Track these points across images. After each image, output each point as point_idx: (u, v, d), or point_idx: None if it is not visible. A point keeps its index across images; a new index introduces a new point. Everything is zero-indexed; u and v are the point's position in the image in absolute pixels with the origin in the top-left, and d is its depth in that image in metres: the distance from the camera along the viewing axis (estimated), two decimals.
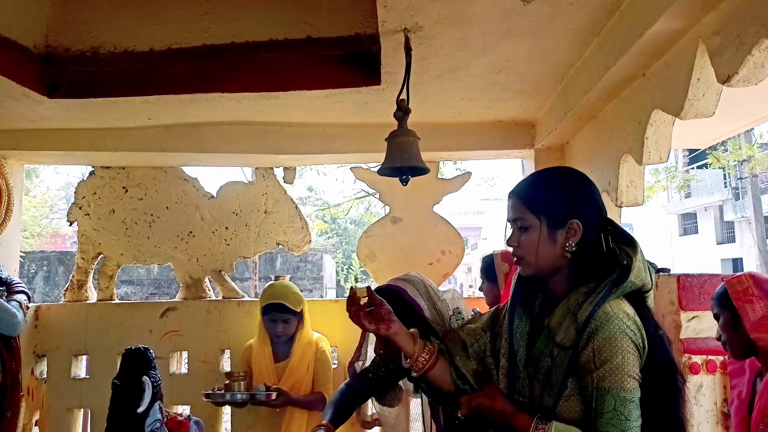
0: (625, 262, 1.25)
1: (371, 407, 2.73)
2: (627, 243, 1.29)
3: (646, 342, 1.19)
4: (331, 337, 3.09)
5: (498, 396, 1.31)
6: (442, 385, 1.44)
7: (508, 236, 1.35)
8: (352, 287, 1.43)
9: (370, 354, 2.02)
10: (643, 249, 1.30)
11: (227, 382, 2.56)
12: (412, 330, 1.44)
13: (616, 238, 1.30)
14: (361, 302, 1.42)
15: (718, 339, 1.76)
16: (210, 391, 2.59)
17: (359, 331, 3.16)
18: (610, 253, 1.28)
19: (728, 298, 1.68)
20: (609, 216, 1.37)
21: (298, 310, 2.74)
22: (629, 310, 1.21)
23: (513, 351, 1.32)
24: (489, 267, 2.72)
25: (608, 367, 1.13)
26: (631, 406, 1.12)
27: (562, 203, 1.30)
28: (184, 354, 3.37)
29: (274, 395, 2.49)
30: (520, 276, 1.39)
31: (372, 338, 2.31)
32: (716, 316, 1.76)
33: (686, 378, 1.27)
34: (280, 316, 2.68)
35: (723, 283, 1.78)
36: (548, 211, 1.30)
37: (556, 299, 1.31)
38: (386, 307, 1.41)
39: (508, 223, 1.36)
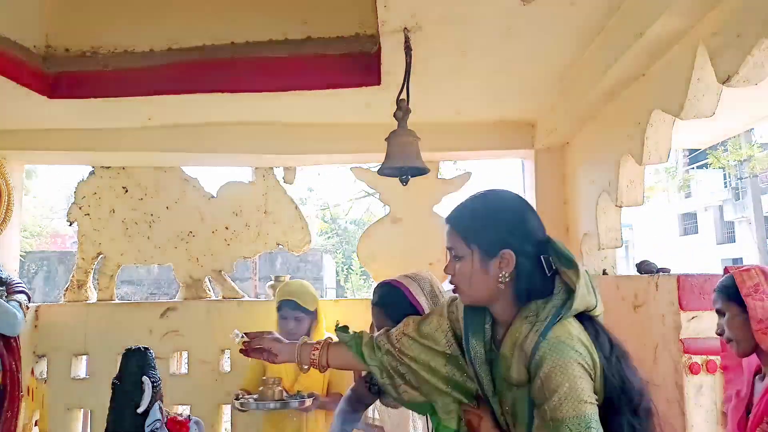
0: (568, 283, 1.23)
1: (372, 410, 2.73)
2: (568, 265, 1.25)
3: (597, 361, 1.16)
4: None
5: (484, 418, 1.30)
6: (353, 368, 1.80)
7: (447, 266, 1.36)
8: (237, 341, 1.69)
9: None
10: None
11: (261, 388, 2.51)
12: (302, 338, 1.69)
13: (557, 260, 1.27)
14: (246, 345, 1.68)
15: (720, 334, 1.65)
16: (242, 398, 2.55)
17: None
18: (552, 274, 1.26)
19: (737, 292, 1.55)
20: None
21: (312, 309, 2.74)
22: (576, 330, 1.18)
23: (479, 379, 1.32)
24: None
25: (558, 397, 1.09)
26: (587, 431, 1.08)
27: (493, 233, 1.28)
28: (184, 354, 3.37)
29: (309, 402, 2.49)
30: None
31: None
32: (720, 311, 1.63)
33: (650, 395, 1.21)
34: (292, 313, 2.68)
35: (729, 274, 1.63)
36: (480, 242, 1.28)
37: (504, 323, 1.29)
38: (265, 341, 1.66)
39: (447, 250, 1.36)
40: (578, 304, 1.20)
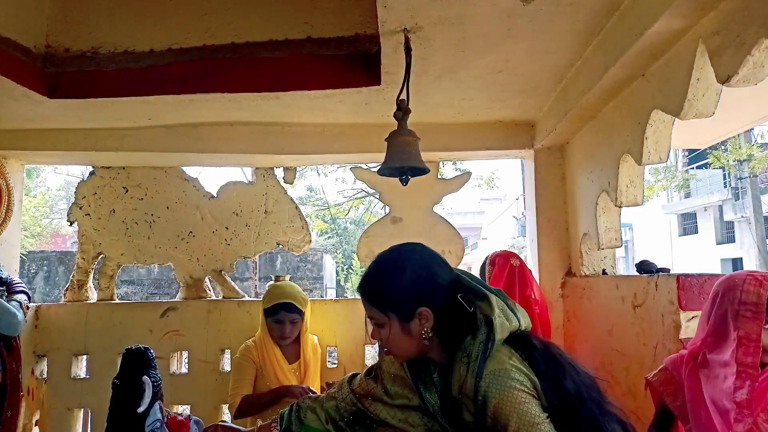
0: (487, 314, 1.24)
1: None
2: (480, 297, 1.27)
3: (536, 381, 1.17)
4: (331, 336, 3.09)
5: None
6: None
7: (372, 333, 1.37)
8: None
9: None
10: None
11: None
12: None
13: (472, 294, 1.29)
14: None
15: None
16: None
17: (359, 331, 3.18)
18: (474, 309, 1.27)
19: None
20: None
21: (304, 310, 2.73)
22: (507, 358, 1.19)
23: (446, 429, 1.31)
24: (481, 271, 2.91)
25: (513, 426, 1.11)
26: None
27: (405, 298, 1.29)
28: (185, 354, 3.37)
29: None
30: None
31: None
32: None
33: (595, 393, 1.22)
34: (289, 316, 2.65)
35: None
36: (394, 309, 1.30)
37: (446, 366, 1.30)
38: None
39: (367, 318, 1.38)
40: (500, 334, 1.21)
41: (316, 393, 2.51)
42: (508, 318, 1.24)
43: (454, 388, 1.25)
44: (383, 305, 1.32)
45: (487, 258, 2.92)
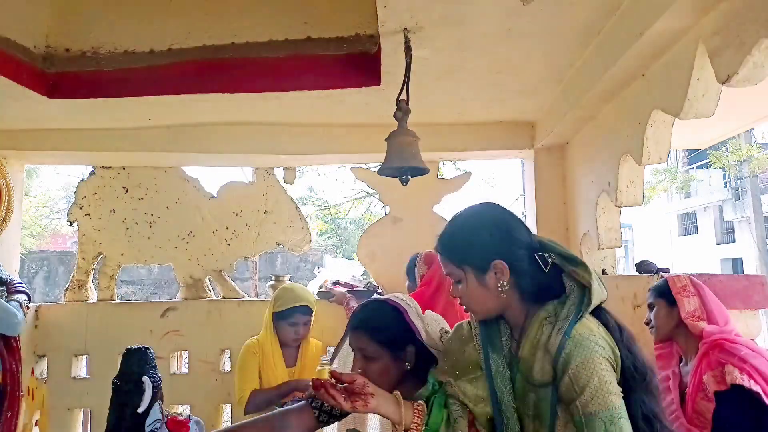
0: (579, 280, 1.26)
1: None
2: (574, 263, 1.29)
3: (618, 353, 1.20)
4: (331, 336, 3.09)
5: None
6: None
7: (452, 290, 1.37)
8: (313, 380, 1.30)
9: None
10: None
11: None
12: (394, 393, 1.34)
13: (561, 260, 1.30)
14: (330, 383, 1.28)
15: (647, 323, 2.05)
16: None
17: None
18: (552, 271, 1.29)
19: (668, 291, 1.97)
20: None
21: (314, 311, 2.74)
22: (595, 326, 1.22)
23: (497, 399, 1.31)
24: (410, 267, 2.91)
25: (589, 392, 1.13)
26: (621, 422, 1.12)
27: (479, 250, 1.31)
28: (184, 354, 3.37)
29: None
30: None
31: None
32: (651, 305, 2.03)
33: (656, 371, 1.28)
34: (303, 318, 2.65)
35: (664, 278, 2.06)
36: (469, 262, 1.32)
37: (519, 327, 1.32)
38: (359, 380, 1.28)
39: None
40: (596, 299, 1.23)
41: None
42: (600, 287, 1.26)
43: (524, 347, 1.27)
44: (458, 259, 1.33)
45: (417, 256, 2.92)
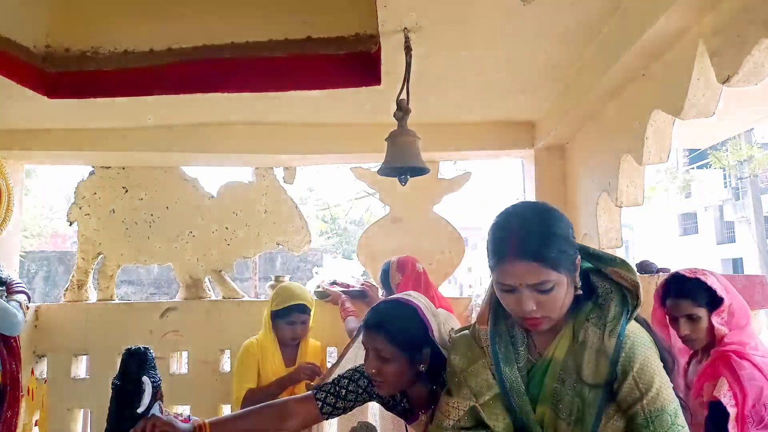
0: (618, 281, 1.24)
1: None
2: (612, 263, 1.25)
3: (658, 351, 1.23)
4: (331, 336, 3.09)
5: None
6: None
7: (525, 305, 1.19)
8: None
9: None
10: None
11: None
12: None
13: (597, 261, 1.28)
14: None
15: (683, 338, 1.89)
16: None
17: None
18: (584, 275, 1.26)
19: (714, 294, 1.82)
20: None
21: (312, 310, 2.74)
22: (638, 327, 1.24)
23: (513, 409, 1.26)
24: (384, 276, 2.94)
25: (655, 389, 1.16)
26: (680, 412, 1.17)
27: (570, 249, 1.21)
28: (184, 354, 3.37)
29: None
30: (495, 324, 1.30)
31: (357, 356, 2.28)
32: (692, 316, 1.86)
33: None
34: (301, 317, 2.65)
35: (699, 281, 1.87)
36: (566, 266, 1.20)
37: (550, 331, 1.26)
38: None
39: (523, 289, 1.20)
40: (642, 298, 1.23)
41: (320, 371, 2.55)
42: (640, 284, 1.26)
43: (557, 348, 1.25)
44: (556, 264, 1.17)
45: (389, 263, 2.94)
